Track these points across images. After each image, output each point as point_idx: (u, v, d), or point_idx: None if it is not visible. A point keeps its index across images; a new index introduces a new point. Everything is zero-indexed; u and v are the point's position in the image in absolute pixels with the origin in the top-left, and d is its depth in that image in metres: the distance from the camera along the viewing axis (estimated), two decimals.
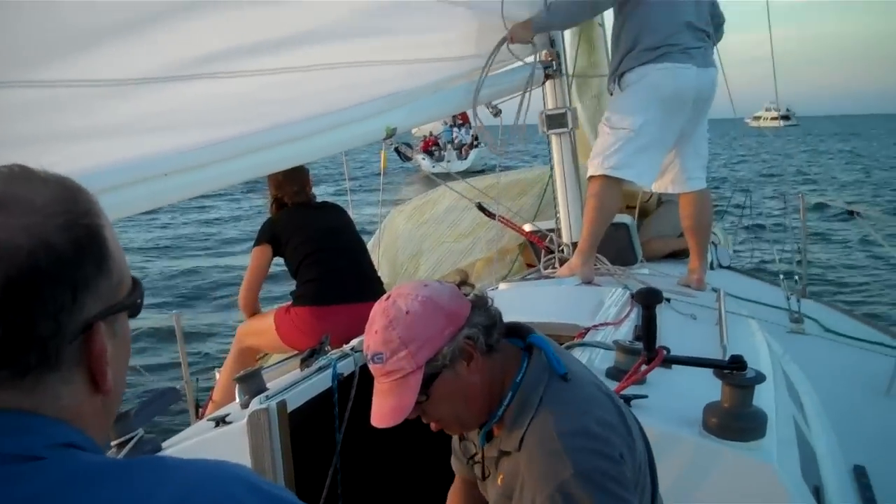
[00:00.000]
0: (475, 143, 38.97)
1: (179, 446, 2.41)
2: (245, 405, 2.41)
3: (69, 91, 2.21)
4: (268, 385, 2.54)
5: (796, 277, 4.85)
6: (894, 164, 41.64)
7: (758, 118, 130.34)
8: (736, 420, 1.97)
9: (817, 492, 2.23)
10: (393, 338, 1.59)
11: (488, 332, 1.65)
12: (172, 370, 7.24)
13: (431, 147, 40.29)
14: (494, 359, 1.67)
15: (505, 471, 1.66)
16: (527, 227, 4.87)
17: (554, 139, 4.59)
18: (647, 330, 2.24)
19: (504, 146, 4.37)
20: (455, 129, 40.55)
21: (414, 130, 41.05)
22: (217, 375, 4.47)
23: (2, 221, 0.77)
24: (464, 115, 34.92)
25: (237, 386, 2.53)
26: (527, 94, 4.24)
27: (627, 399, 2.07)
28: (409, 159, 3.77)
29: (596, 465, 1.46)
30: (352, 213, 4.47)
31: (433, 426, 1.73)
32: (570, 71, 4.69)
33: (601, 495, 1.43)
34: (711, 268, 4.91)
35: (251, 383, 2.51)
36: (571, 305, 3.28)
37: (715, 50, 4.21)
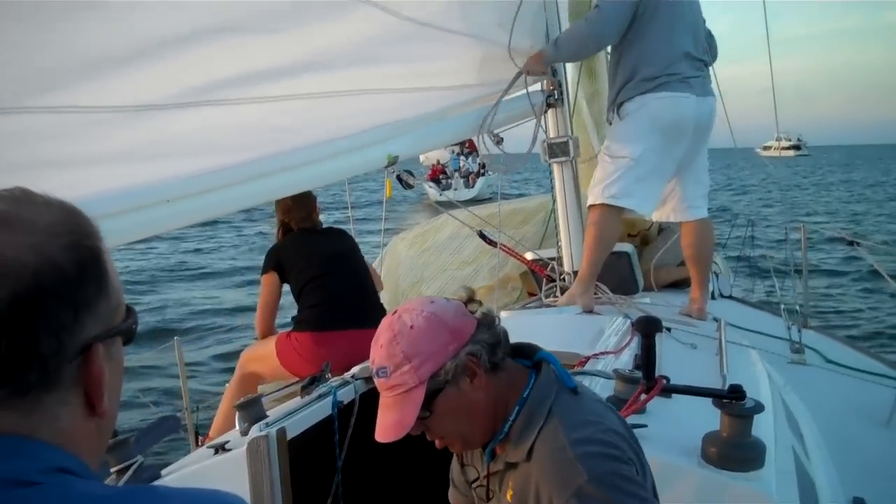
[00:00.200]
0: (482, 171, 39.16)
1: (178, 473, 2.41)
2: (245, 432, 2.41)
3: (73, 117, 2.23)
4: (268, 412, 2.54)
5: (797, 308, 4.85)
6: None
7: (768, 148, 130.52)
8: (735, 450, 1.96)
9: None
10: (397, 352, 1.61)
11: (492, 349, 1.66)
12: (172, 397, 7.22)
13: (439, 175, 40.45)
14: (499, 377, 1.67)
15: (514, 484, 1.66)
16: (528, 256, 4.87)
17: (556, 168, 4.60)
18: (646, 359, 2.25)
19: (512, 170, 4.43)
20: (462, 158, 40.72)
21: (422, 159, 41.36)
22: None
23: (7, 239, 0.78)
24: (471, 144, 35.17)
25: (237, 413, 2.53)
26: (540, 122, 4.30)
27: None
28: (410, 187, 3.78)
29: (608, 467, 1.48)
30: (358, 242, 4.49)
31: (438, 443, 1.74)
32: (573, 100, 4.71)
33: (617, 494, 1.45)
34: (713, 297, 4.91)
35: (251, 410, 2.51)
36: (572, 334, 3.28)
37: (714, 79, 4.24)
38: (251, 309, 6.18)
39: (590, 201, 4.12)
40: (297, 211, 4.30)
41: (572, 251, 4.56)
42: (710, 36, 4.29)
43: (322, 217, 4.50)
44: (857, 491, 2.87)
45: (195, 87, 2.56)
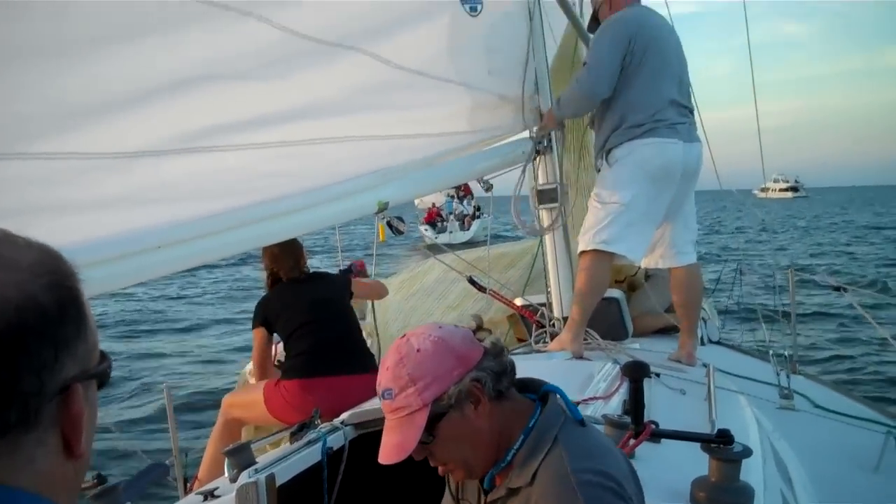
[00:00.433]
0: (477, 214, 39.28)
1: None
2: (234, 479, 2.40)
3: (65, 163, 2.24)
4: (257, 459, 2.53)
5: (786, 353, 4.86)
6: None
7: (765, 189, 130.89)
8: (723, 494, 1.97)
9: None
10: (402, 374, 1.63)
11: (498, 378, 1.67)
12: (161, 443, 7.16)
13: (435, 218, 40.52)
14: (504, 406, 1.68)
15: None
16: (518, 301, 4.89)
17: (545, 214, 4.64)
18: (634, 404, 2.26)
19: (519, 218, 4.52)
20: (455, 202, 40.81)
21: (416, 202, 41.54)
22: None
23: None
24: (466, 187, 35.32)
25: (226, 459, 2.52)
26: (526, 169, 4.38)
27: None
28: (401, 233, 3.80)
29: (606, 500, 1.48)
30: None
31: (440, 470, 1.74)
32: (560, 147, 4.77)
33: None
34: (702, 343, 4.92)
35: (240, 457, 2.50)
36: (561, 379, 3.26)
37: (700, 125, 4.30)
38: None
39: (580, 247, 4.15)
40: (285, 260, 4.35)
41: (562, 297, 4.57)
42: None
43: (315, 261, 4.55)
44: None
45: (188, 133, 2.59)
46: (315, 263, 4.64)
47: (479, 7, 3.95)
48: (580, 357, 3.93)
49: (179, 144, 2.57)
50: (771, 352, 4.58)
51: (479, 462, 1.70)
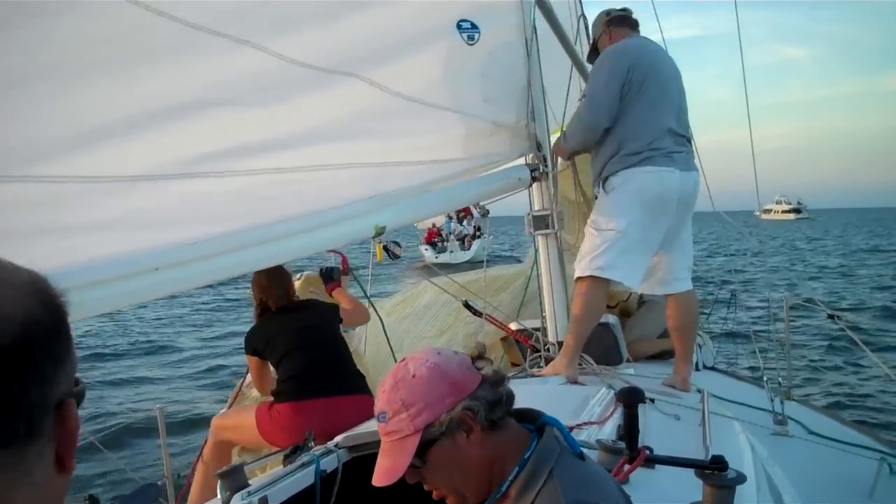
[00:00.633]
0: (478, 234, 39.34)
1: None
2: (226, 501, 2.40)
3: (65, 187, 2.26)
4: (249, 481, 2.52)
5: (780, 379, 4.88)
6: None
7: (768, 211, 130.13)
8: None
9: None
10: (396, 399, 1.64)
11: (491, 407, 1.66)
12: (154, 464, 7.13)
13: (435, 238, 40.55)
14: (497, 436, 1.68)
15: None
16: (513, 326, 4.90)
17: (540, 240, 4.66)
18: (628, 429, 2.26)
19: None
20: (454, 223, 40.81)
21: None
22: None
23: None
24: (466, 209, 35.40)
25: (219, 482, 2.51)
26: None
27: None
28: (397, 257, 3.83)
29: None
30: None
31: (434, 494, 1.74)
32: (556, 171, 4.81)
33: None
34: (696, 368, 4.93)
35: (233, 479, 2.50)
36: (556, 404, 3.29)
37: (696, 155, 4.34)
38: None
39: (576, 274, 4.17)
40: (274, 289, 4.40)
41: (556, 322, 4.59)
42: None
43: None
44: None
45: (186, 158, 2.61)
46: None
47: (476, 36, 3.99)
48: (575, 382, 3.93)
49: (178, 169, 2.59)
50: (765, 377, 4.59)
51: (470, 491, 1.70)
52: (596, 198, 4.36)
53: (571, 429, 2.74)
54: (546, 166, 4.61)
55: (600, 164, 4.23)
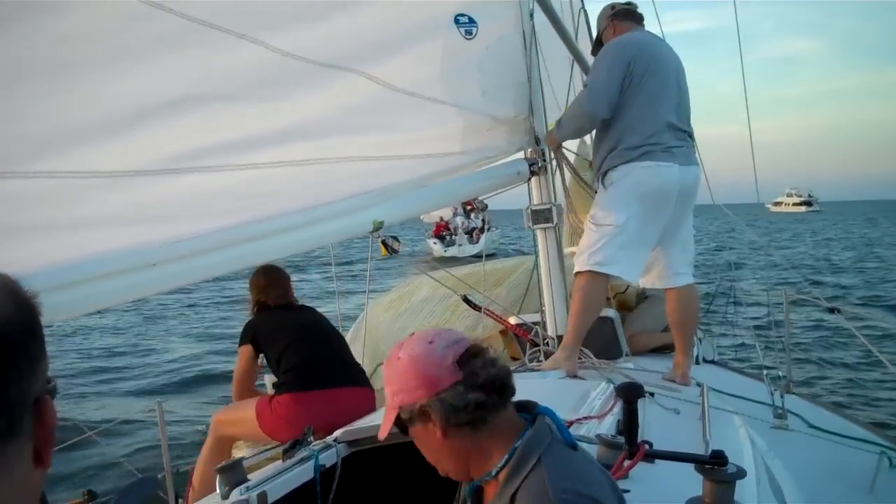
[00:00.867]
0: (487, 227, 39.35)
1: None
2: (225, 496, 2.40)
3: (63, 182, 2.26)
4: (249, 476, 2.52)
5: (780, 373, 4.86)
6: None
7: (779, 204, 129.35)
8: None
9: None
10: (387, 372, 1.75)
11: (453, 411, 1.67)
12: (153, 459, 7.13)
13: (443, 232, 40.51)
14: (476, 432, 1.69)
15: None
16: (512, 320, 4.89)
17: (539, 234, 4.65)
18: (628, 424, 2.26)
19: None
20: (461, 217, 40.71)
21: (423, 216, 41.49)
22: None
23: None
24: (471, 203, 35.37)
25: (218, 476, 2.51)
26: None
27: None
28: (396, 252, 3.82)
29: None
30: (342, 303, 4.54)
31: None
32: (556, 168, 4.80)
33: None
34: (696, 362, 4.92)
35: (232, 474, 2.49)
36: (555, 398, 3.27)
37: (697, 150, 4.32)
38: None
39: (576, 268, 4.17)
40: (272, 290, 4.42)
41: (556, 316, 4.58)
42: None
43: (317, 275, 4.60)
44: None
45: (183, 153, 2.61)
46: (310, 277, 4.67)
47: (474, 30, 3.99)
48: (574, 376, 3.93)
49: (175, 164, 2.59)
50: (765, 371, 4.58)
51: (450, 470, 1.77)
52: (595, 192, 4.35)
53: (571, 423, 2.74)
54: (545, 160, 4.61)
55: (600, 158, 4.22)
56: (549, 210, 4.57)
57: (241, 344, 4.41)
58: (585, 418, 2.83)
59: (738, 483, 2.01)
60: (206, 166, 2.68)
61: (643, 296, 5.72)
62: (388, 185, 3.54)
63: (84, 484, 6.37)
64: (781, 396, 4.04)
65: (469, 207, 39.21)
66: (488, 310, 4.82)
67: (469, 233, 39.70)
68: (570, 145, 6.12)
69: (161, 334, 18.20)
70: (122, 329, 18.86)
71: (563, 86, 5.42)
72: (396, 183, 3.59)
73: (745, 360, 7.38)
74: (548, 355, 4.31)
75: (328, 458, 2.67)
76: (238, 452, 4.42)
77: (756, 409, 3.96)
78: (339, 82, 3.19)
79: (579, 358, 4.12)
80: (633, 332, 5.29)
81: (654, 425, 2.77)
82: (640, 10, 4.50)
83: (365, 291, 5.88)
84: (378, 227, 3.45)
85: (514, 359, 5.11)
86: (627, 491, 2.12)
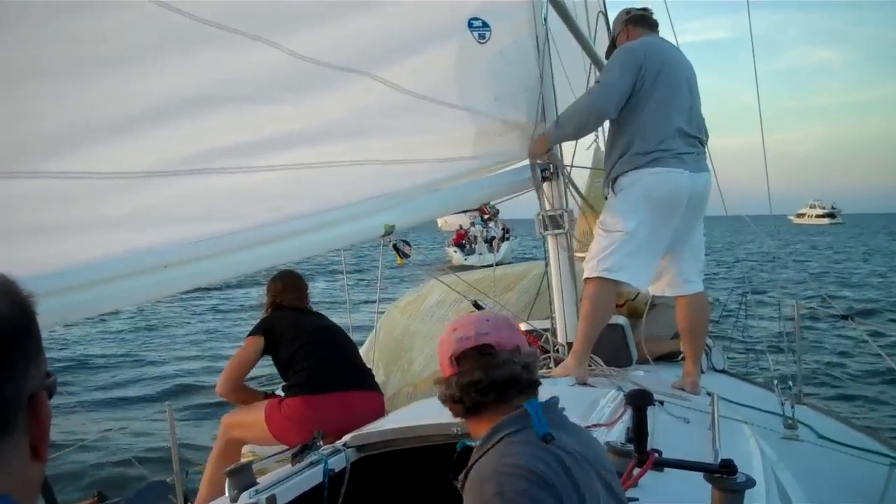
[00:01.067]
0: (507, 235, 39.34)
1: None
2: (234, 499, 2.40)
3: (75, 183, 2.27)
4: (258, 480, 2.52)
5: (790, 383, 4.84)
6: None
7: (801, 215, 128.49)
8: None
9: None
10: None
11: (450, 396, 1.85)
12: (163, 462, 7.15)
13: (463, 241, 40.57)
14: (476, 412, 1.84)
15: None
16: (522, 327, 4.88)
17: (550, 240, 4.64)
18: (637, 432, 2.25)
19: None
20: (479, 226, 40.77)
21: (440, 223, 41.49)
22: None
23: None
24: (485, 208, 35.47)
25: (227, 480, 2.52)
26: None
27: None
28: (407, 256, 3.81)
29: (518, 485, 1.57)
30: (353, 312, 4.56)
31: None
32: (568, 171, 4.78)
33: None
34: (706, 371, 4.90)
35: (240, 478, 2.50)
36: (565, 405, 3.27)
37: (708, 156, 4.31)
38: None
39: (585, 275, 4.16)
40: (289, 292, 4.44)
41: (566, 323, 4.57)
42: (702, 119, 4.37)
43: (325, 283, 4.61)
44: None
45: (195, 155, 2.62)
46: (319, 285, 4.69)
47: (487, 34, 3.99)
48: (584, 383, 3.92)
49: (187, 166, 2.59)
50: (775, 381, 4.56)
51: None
52: (605, 198, 4.34)
53: None
54: (557, 166, 4.59)
55: (610, 163, 4.21)
56: (561, 216, 4.56)
57: (252, 333, 4.35)
58: (595, 426, 2.82)
59: (748, 492, 2.00)
60: (217, 168, 2.69)
61: (652, 303, 5.70)
62: (400, 190, 3.54)
63: (94, 486, 6.40)
64: (792, 406, 4.02)
65: (486, 217, 39.26)
66: None
67: (489, 241, 39.74)
68: (586, 158, 6.11)
69: (165, 342, 18.25)
70: (128, 337, 18.93)
71: (581, 91, 5.41)
72: (408, 187, 3.59)
73: (756, 370, 7.32)
74: (558, 362, 4.30)
75: (337, 463, 2.68)
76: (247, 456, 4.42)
77: (766, 419, 3.94)
78: (352, 85, 3.20)
79: (589, 365, 4.11)
80: (643, 339, 5.27)
81: (664, 434, 2.76)
82: (654, 17, 4.49)
83: (375, 301, 5.90)
84: (389, 231, 3.45)
85: None
86: (636, 499, 2.11)
